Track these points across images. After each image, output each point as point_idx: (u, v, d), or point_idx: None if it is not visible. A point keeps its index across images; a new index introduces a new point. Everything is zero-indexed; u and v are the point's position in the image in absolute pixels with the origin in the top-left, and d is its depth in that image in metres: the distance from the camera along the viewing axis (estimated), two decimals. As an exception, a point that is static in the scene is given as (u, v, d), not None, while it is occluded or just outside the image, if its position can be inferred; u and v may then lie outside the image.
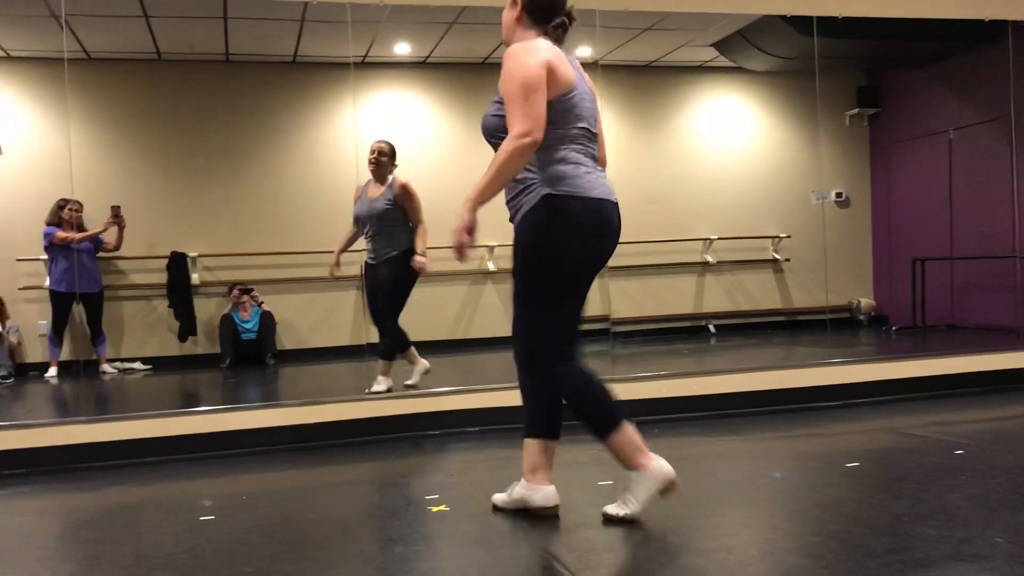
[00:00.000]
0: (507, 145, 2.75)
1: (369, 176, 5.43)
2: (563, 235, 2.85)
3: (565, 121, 2.88)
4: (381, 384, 5.21)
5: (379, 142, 5.47)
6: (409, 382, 5.37)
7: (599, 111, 3.06)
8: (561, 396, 3.04)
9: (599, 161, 3.04)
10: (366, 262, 5.47)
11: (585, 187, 2.87)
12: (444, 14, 6.93)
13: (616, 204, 2.98)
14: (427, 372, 5.46)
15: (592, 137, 2.98)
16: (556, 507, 3.05)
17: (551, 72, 2.80)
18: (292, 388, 6.96)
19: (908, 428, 4.52)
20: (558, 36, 2.95)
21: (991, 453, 3.83)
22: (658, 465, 2.92)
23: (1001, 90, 8.23)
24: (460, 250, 2.79)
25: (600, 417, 2.97)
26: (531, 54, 2.81)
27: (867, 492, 3.27)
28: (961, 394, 5.47)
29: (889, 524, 2.80)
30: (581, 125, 2.92)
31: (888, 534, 2.70)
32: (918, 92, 9.26)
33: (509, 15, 2.98)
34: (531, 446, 3.06)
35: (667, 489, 2.93)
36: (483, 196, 2.78)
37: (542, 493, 3.05)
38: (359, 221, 5.43)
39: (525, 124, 2.72)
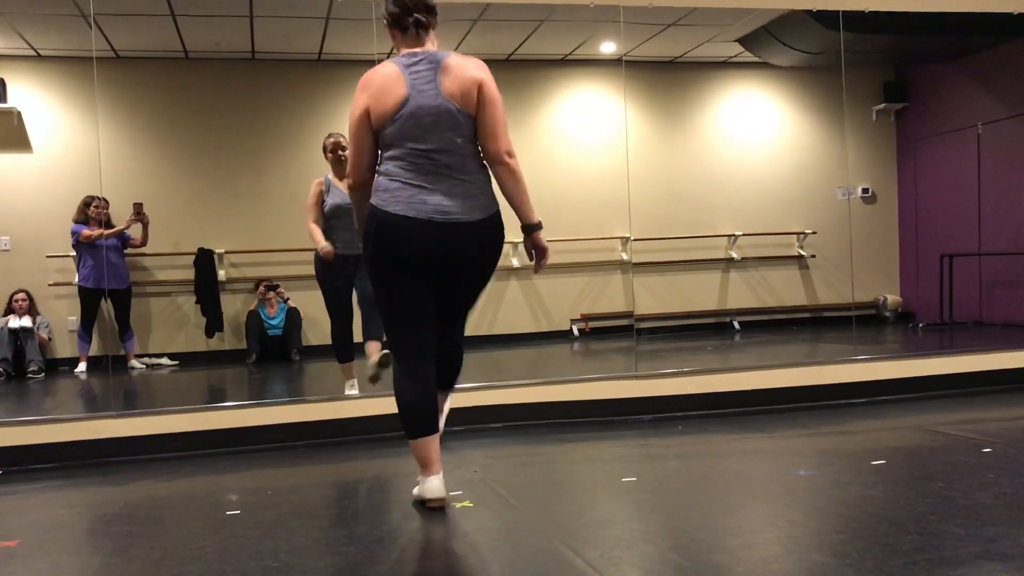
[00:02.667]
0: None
1: (325, 173, 5.37)
2: (367, 239, 3.05)
3: (394, 144, 3.00)
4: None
5: (339, 136, 5.36)
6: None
7: (487, 103, 2.97)
8: (430, 392, 3.19)
9: (490, 155, 3.02)
10: (335, 253, 5.25)
11: (387, 201, 2.98)
12: (468, 11, 6.94)
13: (426, 221, 2.95)
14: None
15: (430, 153, 2.97)
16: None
17: (371, 108, 2.99)
18: (317, 384, 7.00)
19: (935, 426, 4.48)
20: (419, 34, 3.05)
21: (1020, 451, 3.80)
22: (426, 485, 3.15)
23: (1031, 84, 8.15)
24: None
25: (404, 421, 3.17)
26: (357, 96, 3.04)
27: (893, 490, 3.24)
28: (989, 392, 5.42)
29: (915, 522, 2.79)
30: (412, 146, 2.98)
31: (914, 532, 2.68)
32: (946, 87, 9.16)
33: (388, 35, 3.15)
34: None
35: (430, 503, 3.16)
36: (359, 225, 3.14)
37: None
38: (339, 213, 5.24)
39: (349, 171, 3.10)
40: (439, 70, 2.98)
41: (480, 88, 2.96)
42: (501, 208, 3.12)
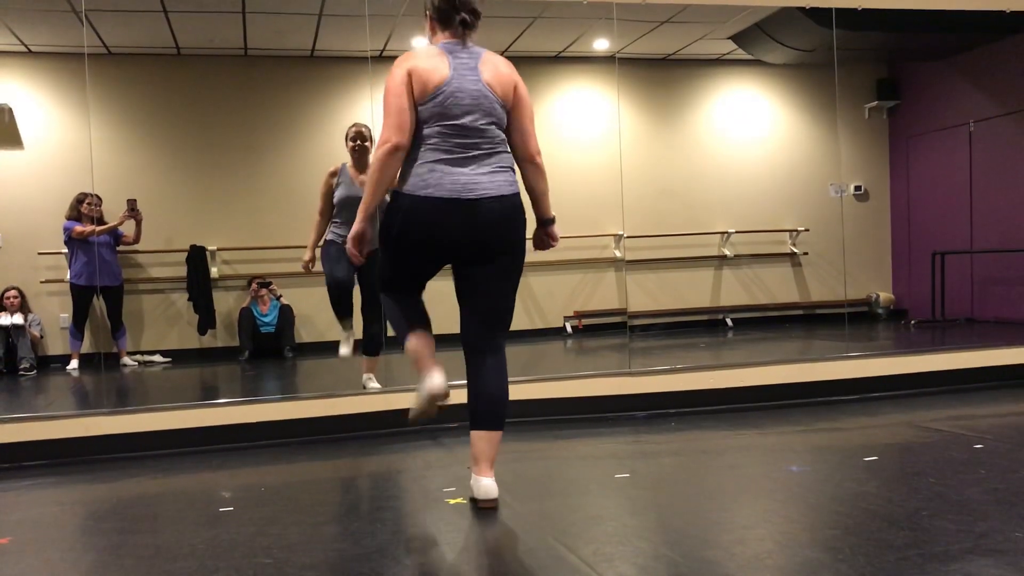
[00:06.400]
0: (374, 153, 3.09)
1: (344, 162, 5.25)
2: (391, 223, 3.10)
3: (431, 121, 3.06)
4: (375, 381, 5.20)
5: (361, 126, 5.24)
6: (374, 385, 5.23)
7: (523, 104, 3.17)
8: (409, 303, 3.27)
9: (522, 153, 3.19)
10: (336, 244, 5.11)
11: (417, 185, 3.04)
12: (461, 8, 6.93)
13: (455, 200, 3.03)
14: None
15: (465, 131, 3.07)
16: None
17: (412, 78, 3.04)
18: (310, 381, 7.00)
19: (927, 422, 4.50)
20: (462, 32, 3.15)
21: (1011, 447, 3.81)
22: (432, 382, 3.13)
23: (1022, 82, 8.18)
24: (354, 255, 3.21)
25: (398, 326, 3.24)
26: (399, 65, 3.07)
27: (885, 486, 3.25)
28: (981, 388, 5.44)
29: (908, 518, 2.80)
30: (448, 123, 3.06)
31: (906, 528, 2.69)
32: (938, 84, 9.19)
33: (425, 24, 3.25)
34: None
35: (434, 399, 3.15)
36: (367, 205, 3.12)
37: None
38: (348, 204, 5.07)
39: (384, 132, 3.03)
40: (480, 60, 3.14)
41: (516, 88, 3.17)
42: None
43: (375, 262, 3.39)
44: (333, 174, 5.26)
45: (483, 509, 3.10)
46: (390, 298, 3.28)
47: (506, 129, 3.18)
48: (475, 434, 3.15)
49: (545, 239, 3.39)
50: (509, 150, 3.20)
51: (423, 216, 3.03)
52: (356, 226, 3.16)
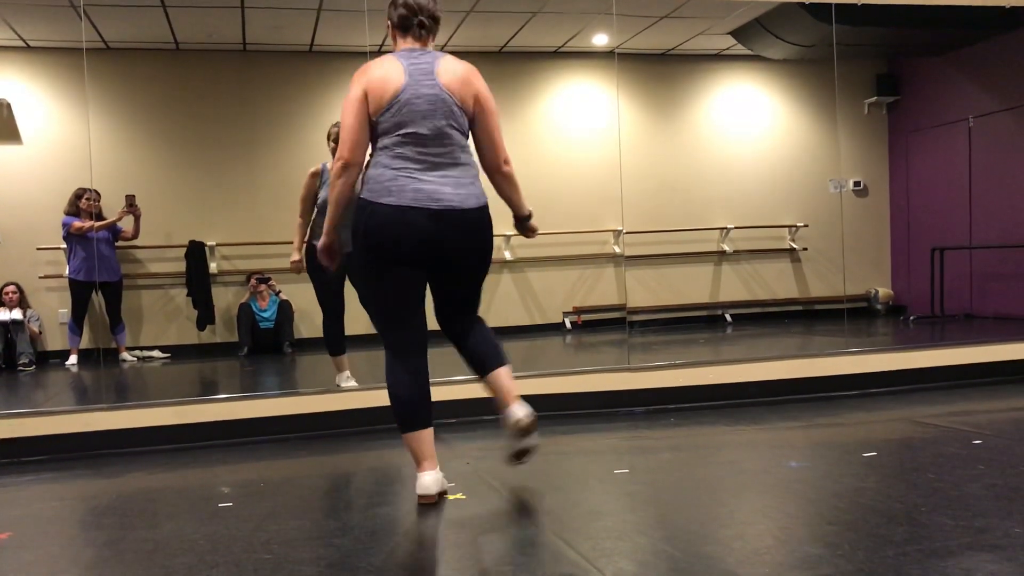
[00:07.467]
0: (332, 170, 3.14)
1: (325, 161, 5.22)
2: (357, 233, 3.09)
3: (389, 132, 3.07)
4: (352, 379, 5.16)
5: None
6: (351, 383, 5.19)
7: (487, 113, 3.14)
8: (423, 384, 3.20)
9: (489, 164, 3.19)
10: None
11: (379, 192, 3.04)
12: (461, 3, 6.92)
13: (420, 209, 3.02)
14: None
15: (424, 139, 3.06)
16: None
17: (368, 92, 3.07)
18: (309, 377, 6.99)
19: (926, 418, 4.50)
20: (421, 35, 3.18)
21: (1009, 443, 3.81)
22: (421, 481, 3.12)
23: (1021, 77, 8.18)
24: (326, 266, 3.29)
25: (398, 415, 3.16)
26: (355, 81, 3.11)
27: (884, 482, 3.26)
28: (979, 384, 5.44)
29: (906, 514, 2.80)
30: (406, 131, 3.06)
31: (905, 524, 2.69)
32: (937, 80, 9.18)
33: (388, 32, 3.29)
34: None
35: (421, 500, 3.14)
36: (330, 221, 3.16)
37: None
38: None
39: (340, 149, 3.06)
40: (437, 64, 3.13)
41: (477, 98, 3.14)
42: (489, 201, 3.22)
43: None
44: (315, 175, 5.22)
45: (522, 430, 3.14)
46: (393, 362, 3.17)
47: (473, 137, 3.19)
48: (498, 373, 3.20)
49: (525, 232, 3.45)
50: (473, 156, 3.19)
51: (385, 222, 3.02)
52: (324, 239, 3.22)
